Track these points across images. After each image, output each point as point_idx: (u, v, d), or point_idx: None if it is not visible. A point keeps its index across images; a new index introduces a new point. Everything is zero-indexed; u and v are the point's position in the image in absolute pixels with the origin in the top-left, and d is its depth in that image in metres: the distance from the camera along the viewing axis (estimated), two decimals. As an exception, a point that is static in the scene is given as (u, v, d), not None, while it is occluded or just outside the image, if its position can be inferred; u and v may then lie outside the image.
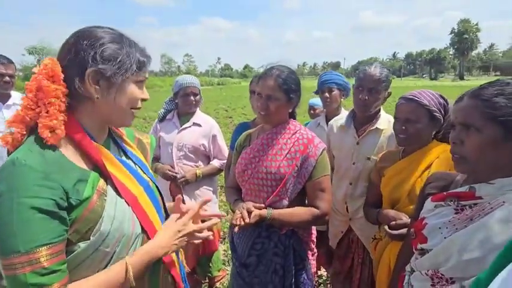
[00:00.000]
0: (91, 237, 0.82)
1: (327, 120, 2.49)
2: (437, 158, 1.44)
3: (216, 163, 2.41)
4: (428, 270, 1.02)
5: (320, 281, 2.84)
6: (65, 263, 0.78)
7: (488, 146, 0.91)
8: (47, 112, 0.80)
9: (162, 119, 2.43)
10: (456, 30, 68.15)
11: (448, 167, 1.39)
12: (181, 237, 1.02)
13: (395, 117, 1.54)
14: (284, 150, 1.51)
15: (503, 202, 0.90)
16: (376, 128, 1.83)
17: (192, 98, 2.34)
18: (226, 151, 2.43)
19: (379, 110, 1.87)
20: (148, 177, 1.08)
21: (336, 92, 2.36)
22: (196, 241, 1.08)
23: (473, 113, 0.94)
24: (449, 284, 0.96)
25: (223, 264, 2.96)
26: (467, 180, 1.05)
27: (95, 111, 0.89)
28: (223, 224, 3.79)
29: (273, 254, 1.54)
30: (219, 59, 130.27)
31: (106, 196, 0.87)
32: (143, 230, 0.95)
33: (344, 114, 2.45)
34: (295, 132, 1.54)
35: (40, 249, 0.72)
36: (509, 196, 0.90)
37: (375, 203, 1.70)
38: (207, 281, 2.64)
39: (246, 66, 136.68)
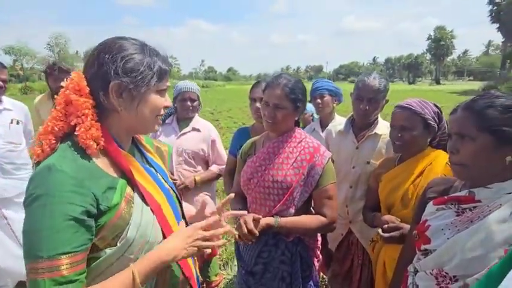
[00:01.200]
0: (118, 244, 0.84)
1: (322, 125, 2.57)
2: (430, 164, 1.52)
3: (214, 168, 2.43)
4: (432, 270, 1.09)
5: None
6: (84, 272, 0.79)
7: (482, 153, 1.00)
8: (84, 124, 0.83)
9: (161, 123, 2.44)
10: (433, 37, 70.76)
11: (440, 171, 1.48)
12: (191, 242, 0.94)
13: (391, 125, 1.61)
14: (290, 159, 1.52)
15: (500, 205, 0.98)
16: (375, 133, 1.91)
17: (189, 103, 2.36)
18: (225, 156, 2.46)
19: (377, 116, 1.95)
20: (169, 185, 1.10)
21: (327, 97, 2.47)
22: (207, 250, 1.03)
23: (466, 124, 1.03)
24: (453, 282, 1.03)
25: (219, 268, 2.98)
26: (465, 185, 1.13)
27: (121, 122, 0.92)
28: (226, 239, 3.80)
29: (280, 262, 1.55)
30: (202, 61, 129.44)
31: (133, 203, 0.90)
32: (164, 238, 0.96)
33: (340, 119, 2.55)
34: (301, 141, 1.56)
35: (62, 257, 0.73)
36: (505, 199, 0.98)
37: (373, 207, 1.78)
38: (204, 285, 2.64)
39: (230, 69, 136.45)
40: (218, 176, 2.45)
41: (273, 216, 1.51)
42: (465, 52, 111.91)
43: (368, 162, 1.90)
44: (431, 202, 1.16)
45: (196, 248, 0.94)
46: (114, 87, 0.85)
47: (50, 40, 51.88)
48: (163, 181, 1.08)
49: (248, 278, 1.62)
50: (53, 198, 0.74)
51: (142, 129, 0.98)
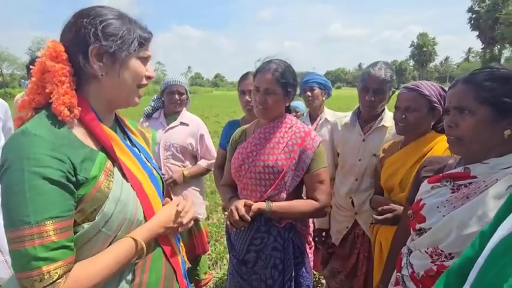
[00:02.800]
0: (96, 218, 0.80)
1: (311, 118, 2.57)
2: (431, 148, 1.50)
3: (203, 163, 2.38)
4: (428, 248, 1.07)
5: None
6: (73, 240, 0.76)
7: (482, 126, 0.99)
8: (58, 90, 0.79)
9: (148, 116, 2.38)
10: (416, 44, 72.78)
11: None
12: (177, 221, 1.02)
13: (396, 107, 1.59)
14: (281, 144, 1.52)
15: (497, 180, 0.97)
16: (382, 125, 1.88)
17: (177, 96, 2.31)
18: (213, 151, 2.41)
19: (384, 108, 1.92)
20: (152, 166, 1.07)
21: (317, 90, 2.47)
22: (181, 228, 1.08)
23: (466, 96, 1.01)
24: (449, 259, 1.02)
25: (209, 267, 2.91)
26: (460, 163, 1.12)
27: (101, 90, 0.88)
28: (210, 226, 3.75)
29: (272, 249, 1.53)
30: (189, 67, 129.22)
31: (113, 178, 0.86)
32: (144, 217, 0.93)
33: (329, 112, 2.55)
34: (292, 126, 1.55)
35: (49, 221, 0.70)
36: (501, 174, 0.97)
37: (380, 193, 1.76)
38: (193, 284, 2.57)
39: (217, 75, 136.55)
40: (207, 170, 2.40)
41: (264, 201, 1.49)
42: (447, 58, 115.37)
43: (374, 155, 1.87)
44: (425, 181, 1.15)
45: (177, 227, 1.02)
46: (94, 50, 0.82)
47: (32, 45, 50.83)
48: (146, 161, 1.04)
49: (240, 267, 1.59)
50: (29, 160, 0.70)
51: (123, 100, 0.94)
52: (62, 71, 0.80)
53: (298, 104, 3.08)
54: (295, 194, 1.56)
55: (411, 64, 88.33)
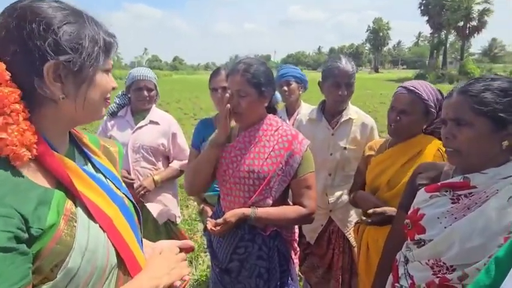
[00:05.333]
0: (57, 276, 0.64)
1: (288, 113, 2.50)
2: (421, 151, 1.50)
3: (175, 165, 2.21)
4: (429, 260, 1.05)
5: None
6: None
7: (480, 138, 0.98)
8: (14, 127, 0.61)
9: (113, 115, 2.14)
10: (371, 28, 75.29)
11: (430, 159, 1.46)
12: (174, 266, 0.87)
13: (391, 106, 1.54)
14: (268, 148, 1.44)
15: (497, 190, 0.96)
16: (349, 118, 1.91)
17: (145, 93, 2.10)
18: (187, 151, 2.25)
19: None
20: (123, 193, 0.89)
21: (294, 85, 2.40)
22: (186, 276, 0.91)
23: (463, 108, 0.99)
24: (450, 272, 1.01)
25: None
26: (457, 171, 1.11)
27: (58, 114, 0.70)
28: (181, 223, 3.59)
29: (257, 258, 1.47)
30: (145, 49, 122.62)
31: (76, 222, 0.69)
32: (119, 260, 0.77)
33: (307, 107, 2.49)
34: (278, 129, 1.48)
35: None
36: (502, 184, 0.97)
37: (359, 190, 1.75)
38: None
39: (175, 58, 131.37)
40: (180, 172, 2.24)
41: (249, 207, 1.42)
42: (399, 43, 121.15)
43: (345, 148, 1.90)
44: (423, 189, 1.13)
45: (178, 272, 0.85)
46: (51, 69, 0.64)
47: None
48: (115, 188, 0.86)
49: (223, 276, 1.53)
50: None
51: (87, 119, 0.77)
52: (12, 97, 0.61)
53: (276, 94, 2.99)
54: (281, 200, 1.50)
55: (367, 48, 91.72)
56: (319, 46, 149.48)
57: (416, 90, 1.47)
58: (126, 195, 0.90)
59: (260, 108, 1.47)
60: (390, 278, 1.25)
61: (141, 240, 0.91)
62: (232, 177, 1.45)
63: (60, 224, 0.65)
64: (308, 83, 2.55)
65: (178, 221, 2.31)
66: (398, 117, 1.49)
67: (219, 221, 1.38)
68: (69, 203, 0.69)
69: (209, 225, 1.40)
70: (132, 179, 2.04)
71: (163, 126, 2.16)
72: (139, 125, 2.11)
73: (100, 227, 0.73)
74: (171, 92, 20.52)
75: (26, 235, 0.59)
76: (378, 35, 73.72)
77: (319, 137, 1.93)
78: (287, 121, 2.40)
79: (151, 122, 2.14)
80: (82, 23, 0.69)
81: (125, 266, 0.78)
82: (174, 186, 2.34)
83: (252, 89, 1.39)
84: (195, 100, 16.62)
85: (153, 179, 2.08)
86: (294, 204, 1.49)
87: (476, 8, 38.86)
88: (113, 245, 0.75)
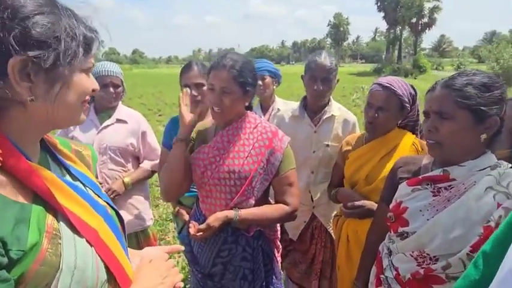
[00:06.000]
0: None
1: (262, 108, 2.47)
2: (397, 145, 1.54)
3: (146, 165, 2.09)
4: (413, 252, 1.08)
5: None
6: None
7: (461, 132, 1.01)
8: None
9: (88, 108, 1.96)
10: (332, 23, 77.28)
11: (406, 152, 1.50)
12: (166, 275, 0.84)
13: (368, 103, 1.56)
14: (247, 146, 1.40)
15: (475, 182, 1.01)
16: (332, 115, 1.90)
17: (111, 89, 1.96)
18: (158, 150, 2.13)
19: (330, 97, 1.93)
20: (104, 200, 0.82)
21: (268, 79, 2.38)
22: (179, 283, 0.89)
23: (446, 102, 1.02)
24: (434, 262, 1.04)
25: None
26: (435, 164, 1.14)
27: (27, 117, 0.62)
28: (158, 229, 3.45)
29: (241, 259, 1.43)
30: (102, 41, 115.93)
31: (60, 238, 0.61)
32: (109, 274, 0.70)
33: (281, 102, 2.47)
34: (256, 126, 1.44)
35: None
36: (478, 176, 1.01)
37: (338, 185, 1.77)
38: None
39: (135, 51, 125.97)
40: (152, 173, 2.13)
41: (231, 209, 1.38)
42: (358, 38, 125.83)
43: (327, 145, 1.89)
44: (404, 183, 1.15)
45: (171, 280, 0.82)
46: (18, 65, 0.56)
47: None
48: (96, 197, 0.79)
49: (206, 282, 1.47)
50: None
51: (63, 123, 0.70)
52: None
53: None
54: (262, 199, 1.47)
55: (328, 42, 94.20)
56: (283, 40, 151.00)
57: (391, 87, 1.50)
58: (108, 203, 0.82)
59: (241, 106, 1.42)
60: (374, 269, 1.28)
61: (127, 249, 0.84)
62: (212, 179, 1.40)
63: (43, 243, 0.59)
64: (281, 78, 2.53)
65: (150, 223, 2.20)
66: (376, 114, 1.52)
67: (202, 226, 1.32)
68: (50, 218, 0.62)
69: (192, 231, 1.34)
70: (100, 183, 1.89)
71: (132, 125, 2.03)
72: (104, 124, 1.96)
73: (87, 241, 0.66)
74: (133, 87, 19.60)
75: (5, 259, 0.53)
76: (338, 30, 75.89)
77: (302, 134, 1.91)
78: (262, 117, 2.37)
79: (118, 120, 2.00)
80: (58, 14, 0.60)
81: (115, 280, 0.72)
82: (146, 188, 2.22)
83: (237, 87, 1.34)
84: (159, 95, 16.08)
85: (123, 181, 1.95)
86: (277, 202, 1.47)
87: (427, 6, 41.44)
88: (101, 259, 0.68)
